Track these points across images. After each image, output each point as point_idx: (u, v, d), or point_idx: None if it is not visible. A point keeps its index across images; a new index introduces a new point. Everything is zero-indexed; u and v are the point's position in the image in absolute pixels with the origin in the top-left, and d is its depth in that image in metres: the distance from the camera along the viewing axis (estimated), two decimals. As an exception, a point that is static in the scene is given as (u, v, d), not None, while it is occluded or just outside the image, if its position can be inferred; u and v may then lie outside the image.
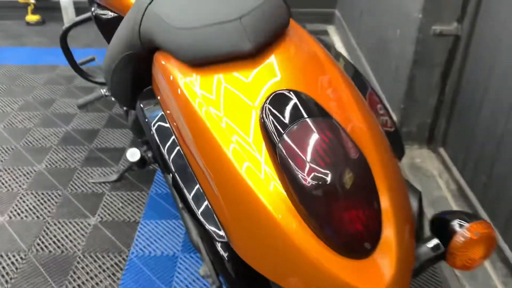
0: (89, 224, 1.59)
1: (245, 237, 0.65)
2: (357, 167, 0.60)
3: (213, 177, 0.66)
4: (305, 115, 0.62)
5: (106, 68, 1.01)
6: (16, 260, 1.45)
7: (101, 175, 1.83)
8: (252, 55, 0.71)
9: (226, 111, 0.67)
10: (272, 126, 0.62)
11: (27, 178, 1.81)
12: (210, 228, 0.68)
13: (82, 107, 1.94)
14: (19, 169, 1.86)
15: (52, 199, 1.70)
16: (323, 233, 0.58)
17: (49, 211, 1.64)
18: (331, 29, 3.54)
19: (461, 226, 0.66)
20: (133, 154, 1.18)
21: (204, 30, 0.71)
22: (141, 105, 0.86)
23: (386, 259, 0.59)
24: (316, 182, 0.58)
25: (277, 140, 0.60)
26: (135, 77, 0.98)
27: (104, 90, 1.93)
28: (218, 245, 0.83)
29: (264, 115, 0.64)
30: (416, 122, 1.97)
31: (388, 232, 0.60)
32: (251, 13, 0.72)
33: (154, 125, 0.78)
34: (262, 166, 0.62)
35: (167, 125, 0.77)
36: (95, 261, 1.45)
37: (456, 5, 1.72)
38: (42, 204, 1.68)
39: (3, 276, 1.39)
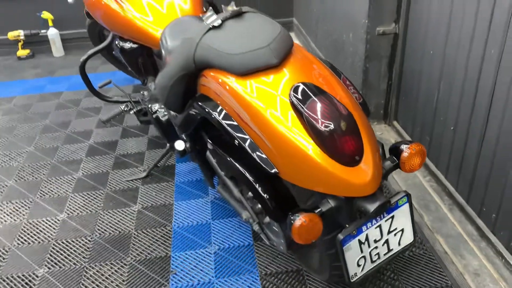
0: (134, 211, 2.00)
1: (288, 166, 1.10)
2: (347, 118, 1.07)
3: (265, 135, 1.11)
4: (313, 95, 1.09)
5: (162, 85, 1.44)
6: (85, 242, 1.84)
7: (131, 174, 2.25)
8: (276, 66, 1.18)
9: (264, 97, 1.13)
10: (298, 102, 1.08)
11: (71, 184, 2.20)
12: (266, 166, 1.12)
13: (107, 122, 2.34)
14: (61, 178, 2.25)
15: (97, 197, 2.10)
16: (333, 155, 1.05)
17: (98, 206, 2.04)
18: (292, 35, 4.05)
19: (405, 146, 1.14)
20: (180, 145, 1.62)
21: (248, 54, 1.16)
22: (200, 103, 1.29)
23: (367, 167, 1.06)
24: (326, 128, 1.04)
25: (303, 110, 1.07)
26: (185, 89, 1.41)
27: (123, 106, 2.34)
28: (260, 189, 1.28)
29: (291, 98, 1.10)
30: (373, 103, 2.48)
31: (367, 153, 1.08)
32: (274, 41, 1.18)
33: (215, 111, 1.23)
34: (292, 124, 1.08)
35: (223, 110, 1.22)
36: (146, 235, 1.86)
37: (392, 10, 2.25)
38: (90, 202, 2.07)
39: (79, 254, 1.78)
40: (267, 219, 1.46)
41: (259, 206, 1.44)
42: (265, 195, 1.32)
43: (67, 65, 3.70)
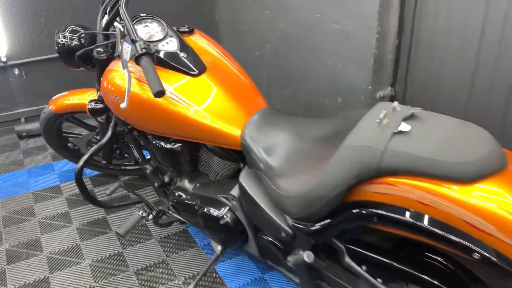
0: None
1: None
2: None
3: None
4: None
5: (320, 196, 1.24)
6: None
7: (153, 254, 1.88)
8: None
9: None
10: None
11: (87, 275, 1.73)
12: None
13: (126, 235, 1.92)
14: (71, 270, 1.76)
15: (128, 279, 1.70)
16: None
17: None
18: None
19: None
20: (309, 256, 1.41)
21: (482, 161, 1.07)
22: (394, 214, 1.15)
23: None
24: None
25: None
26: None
27: (141, 212, 1.95)
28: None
29: None
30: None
31: None
32: (495, 142, 1.11)
33: (424, 221, 1.11)
34: None
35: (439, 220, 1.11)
36: None
37: (389, 75, 2.37)
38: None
39: None
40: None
41: None
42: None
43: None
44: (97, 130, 2.29)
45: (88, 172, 2.72)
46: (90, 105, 1.89)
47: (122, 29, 1.55)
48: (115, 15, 1.71)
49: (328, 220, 1.34)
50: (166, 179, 1.96)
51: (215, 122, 1.56)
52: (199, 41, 1.76)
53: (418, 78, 2.23)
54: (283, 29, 2.91)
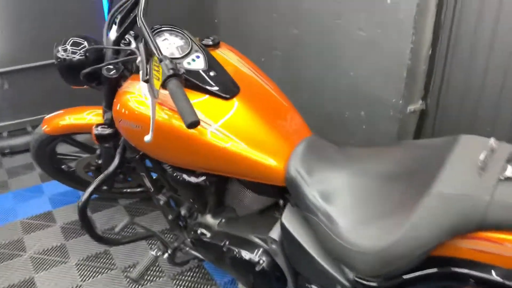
0: None
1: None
2: None
3: None
4: None
5: (405, 254, 1.01)
6: None
7: None
8: None
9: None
10: None
11: None
12: None
13: (139, 279, 1.66)
14: None
15: None
16: None
17: None
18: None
19: None
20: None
21: None
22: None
23: None
24: None
25: None
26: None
27: (155, 251, 1.69)
28: None
29: None
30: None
31: None
32: None
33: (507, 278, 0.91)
34: None
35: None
36: None
37: (420, 88, 2.16)
38: None
39: None
40: None
41: None
42: None
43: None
44: (98, 153, 2.01)
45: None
46: (97, 130, 1.62)
47: (140, 45, 1.29)
48: (129, 27, 1.44)
49: (404, 277, 1.11)
50: (183, 211, 1.71)
51: (253, 154, 1.31)
52: (228, 57, 1.51)
53: (454, 90, 2.03)
54: (296, 34, 2.68)
